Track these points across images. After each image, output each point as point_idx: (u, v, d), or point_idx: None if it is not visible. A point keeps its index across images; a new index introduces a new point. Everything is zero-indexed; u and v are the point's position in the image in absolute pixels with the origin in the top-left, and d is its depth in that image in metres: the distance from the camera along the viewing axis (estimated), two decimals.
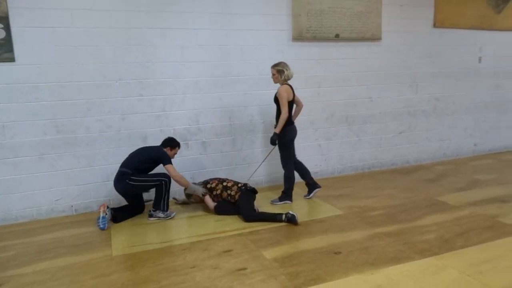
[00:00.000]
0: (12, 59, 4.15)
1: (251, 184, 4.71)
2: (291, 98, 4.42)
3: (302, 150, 5.57)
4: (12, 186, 4.32)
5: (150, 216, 4.28)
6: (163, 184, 4.20)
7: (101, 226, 4.02)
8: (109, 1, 4.43)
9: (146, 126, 4.76)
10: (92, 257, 3.40)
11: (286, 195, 4.68)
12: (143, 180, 4.18)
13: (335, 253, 3.30)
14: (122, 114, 4.64)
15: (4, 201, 4.31)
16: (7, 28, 4.09)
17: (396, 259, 3.14)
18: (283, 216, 3.97)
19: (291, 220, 3.94)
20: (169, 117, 4.86)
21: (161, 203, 4.25)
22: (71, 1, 4.28)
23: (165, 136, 4.56)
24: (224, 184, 4.41)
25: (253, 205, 4.29)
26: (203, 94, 4.94)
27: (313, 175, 4.88)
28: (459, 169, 6.03)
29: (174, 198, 4.78)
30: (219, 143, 5.16)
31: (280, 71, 4.42)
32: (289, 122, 4.50)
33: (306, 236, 3.68)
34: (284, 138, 4.52)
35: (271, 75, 4.52)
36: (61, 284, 2.98)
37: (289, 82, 4.50)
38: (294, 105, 4.60)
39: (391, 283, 2.79)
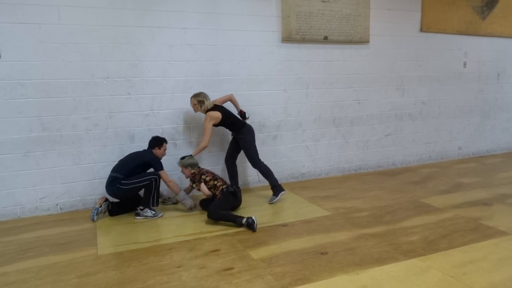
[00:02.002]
0: None
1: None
2: (219, 120, 4.53)
3: (290, 151, 5.60)
4: None
5: (137, 215, 4.25)
6: (153, 182, 4.19)
7: (91, 217, 4.17)
8: None
9: (134, 125, 4.73)
10: (77, 256, 3.36)
11: (277, 187, 4.71)
12: (133, 183, 4.17)
13: (322, 253, 3.32)
14: (109, 113, 4.60)
15: None
16: None
17: (382, 260, 3.18)
18: (243, 220, 3.85)
19: (251, 225, 3.81)
20: (157, 116, 4.83)
21: (150, 200, 4.23)
22: None
23: (153, 135, 4.53)
24: (215, 182, 4.39)
25: (225, 206, 4.19)
26: (192, 93, 4.93)
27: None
28: (444, 172, 6.13)
29: (162, 202, 4.72)
30: None
31: (200, 102, 4.54)
32: (242, 124, 4.66)
33: (292, 237, 3.70)
34: (246, 139, 4.65)
35: (191, 104, 4.61)
36: (44, 283, 2.94)
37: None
38: (229, 102, 4.80)
39: (376, 284, 2.82)
